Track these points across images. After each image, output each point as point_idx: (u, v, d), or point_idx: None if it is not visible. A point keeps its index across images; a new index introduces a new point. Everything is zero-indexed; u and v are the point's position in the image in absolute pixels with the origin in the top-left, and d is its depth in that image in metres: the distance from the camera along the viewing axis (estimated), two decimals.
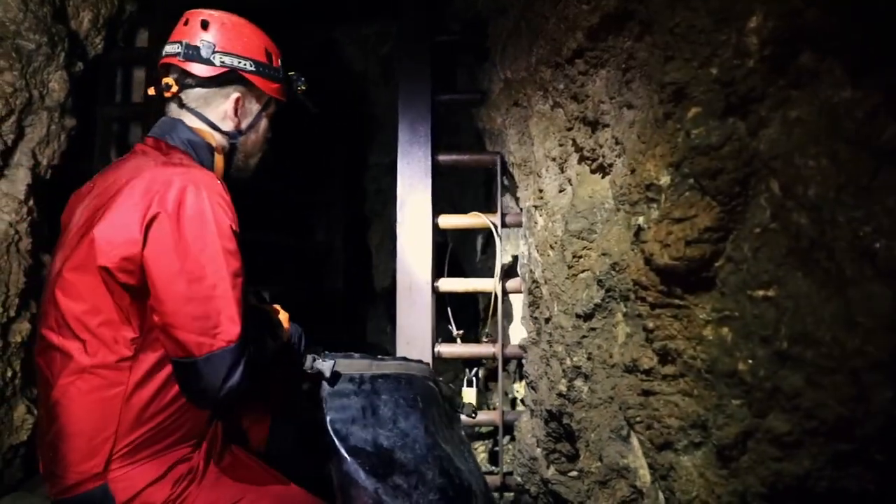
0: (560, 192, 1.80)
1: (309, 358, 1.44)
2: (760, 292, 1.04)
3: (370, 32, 3.43)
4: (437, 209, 2.39)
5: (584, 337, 1.59)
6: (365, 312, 4.58)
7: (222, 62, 1.47)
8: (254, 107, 1.54)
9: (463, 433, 1.73)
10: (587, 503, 1.63)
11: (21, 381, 2.34)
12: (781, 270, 1.01)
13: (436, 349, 2.32)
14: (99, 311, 1.27)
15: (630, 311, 1.38)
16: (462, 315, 2.54)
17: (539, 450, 2.00)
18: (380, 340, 4.23)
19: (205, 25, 1.49)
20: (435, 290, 2.35)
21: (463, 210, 2.49)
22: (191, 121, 1.49)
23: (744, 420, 1.07)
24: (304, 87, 1.67)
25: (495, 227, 2.35)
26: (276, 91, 1.57)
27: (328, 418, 1.45)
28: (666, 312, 1.22)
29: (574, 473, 1.87)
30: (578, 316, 1.60)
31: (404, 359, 1.63)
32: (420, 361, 1.67)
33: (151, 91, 1.55)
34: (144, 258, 1.23)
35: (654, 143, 1.24)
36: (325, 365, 1.45)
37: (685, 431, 1.20)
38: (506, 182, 2.47)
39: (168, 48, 1.50)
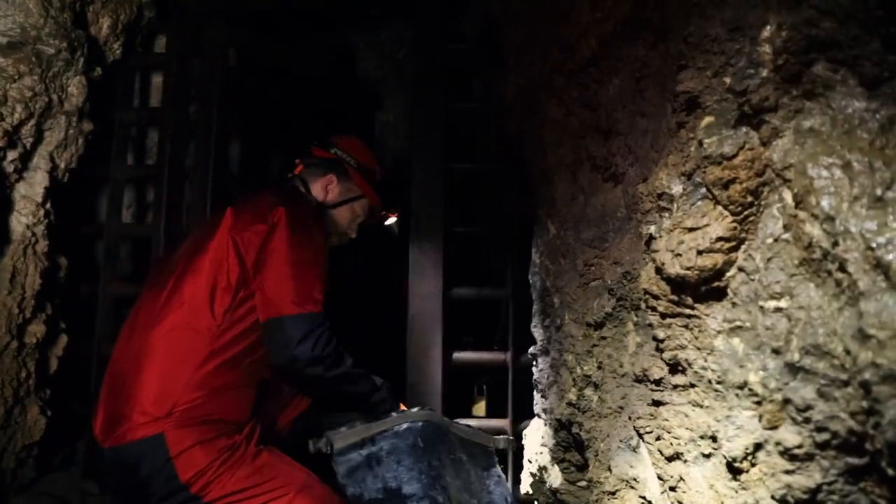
0: (572, 199, 1.80)
1: (310, 442, 1.58)
2: (772, 303, 1.03)
3: (386, 38, 3.44)
4: (450, 217, 2.40)
5: (594, 346, 1.58)
6: (377, 320, 4.58)
7: (335, 152, 1.98)
8: (345, 192, 1.97)
9: (495, 467, 1.79)
10: None
11: (35, 381, 2.37)
12: (793, 281, 1.00)
13: (447, 357, 2.32)
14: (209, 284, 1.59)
15: (641, 321, 1.37)
16: (474, 323, 2.54)
17: (549, 458, 1.99)
18: (390, 349, 4.23)
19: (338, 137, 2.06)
20: (446, 297, 2.35)
21: (476, 217, 2.49)
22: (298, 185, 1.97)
23: (754, 432, 1.06)
24: (392, 214, 2.15)
25: (507, 234, 2.35)
26: (368, 190, 1.99)
27: (348, 493, 1.59)
28: (677, 322, 1.21)
29: (583, 483, 1.86)
30: (589, 325, 1.59)
31: (404, 411, 1.76)
32: (423, 408, 1.79)
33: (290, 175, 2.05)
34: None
35: (667, 151, 1.24)
36: (322, 444, 1.59)
37: (695, 442, 1.19)
38: (519, 189, 2.47)
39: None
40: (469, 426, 1.90)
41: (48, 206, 2.37)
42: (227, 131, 2.86)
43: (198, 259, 1.64)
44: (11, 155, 2.22)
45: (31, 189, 2.32)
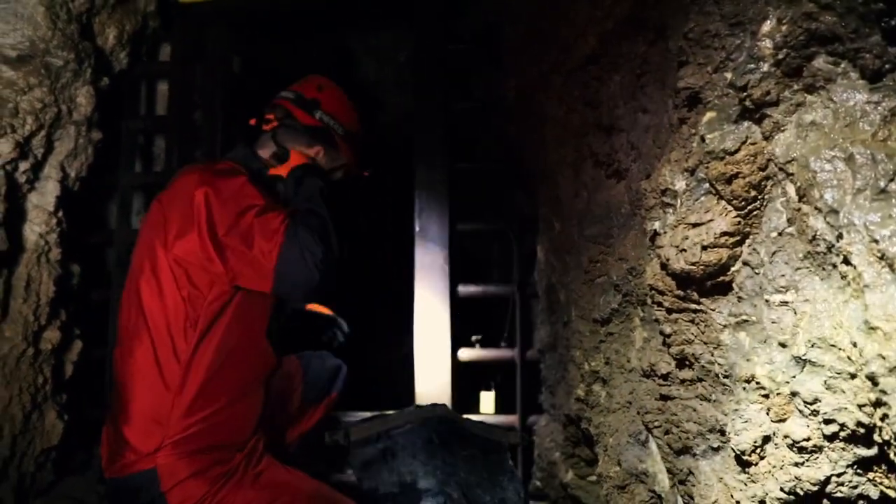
0: (576, 197, 1.81)
1: (326, 434, 1.59)
2: (777, 297, 1.04)
3: (385, 40, 3.45)
4: (455, 215, 2.41)
5: (601, 342, 1.59)
6: (384, 319, 4.60)
7: (321, 118, 1.80)
8: (332, 162, 1.86)
9: (507, 463, 1.80)
10: None
11: (52, 387, 2.40)
12: (798, 275, 1.00)
13: (454, 354, 2.33)
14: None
15: (647, 316, 1.38)
16: (481, 320, 2.55)
17: (558, 454, 2.00)
18: (400, 346, 4.24)
19: (319, 88, 1.85)
20: (453, 295, 2.36)
21: (480, 215, 2.50)
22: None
23: (762, 425, 1.06)
24: (367, 173, 2.00)
25: (511, 232, 2.35)
26: (352, 160, 1.89)
27: (363, 487, 1.61)
28: (683, 317, 1.22)
29: (593, 478, 1.87)
30: (595, 321, 1.60)
31: (419, 407, 1.78)
32: (436, 405, 1.80)
33: (252, 122, 1.87)
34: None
35: (669, 147, 1.25)
36: (340, 436, 1.61)
37: (703, 436, 1.19)
38: (523, 188, 2.48)
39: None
40: (482, 422, 1.91)
41: (60, 214, 2.40)
42: (233, 136, 2.88)
43: (146, 285, 1.53)
44: (23, 165, 2.25)
45: (43, 198, 2.35)
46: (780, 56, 1.01)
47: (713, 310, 1.15)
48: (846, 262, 0.90)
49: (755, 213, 1.08)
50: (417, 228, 2.39)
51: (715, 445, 1.18)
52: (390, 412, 1.71)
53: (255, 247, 1.42)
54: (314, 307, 1.90)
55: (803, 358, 0.98)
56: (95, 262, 2.86)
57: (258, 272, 1.43)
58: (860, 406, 0.88)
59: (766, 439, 1.06)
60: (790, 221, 1.03)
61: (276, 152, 1.78)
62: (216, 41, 2.78)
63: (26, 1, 2.11)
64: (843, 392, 0.91)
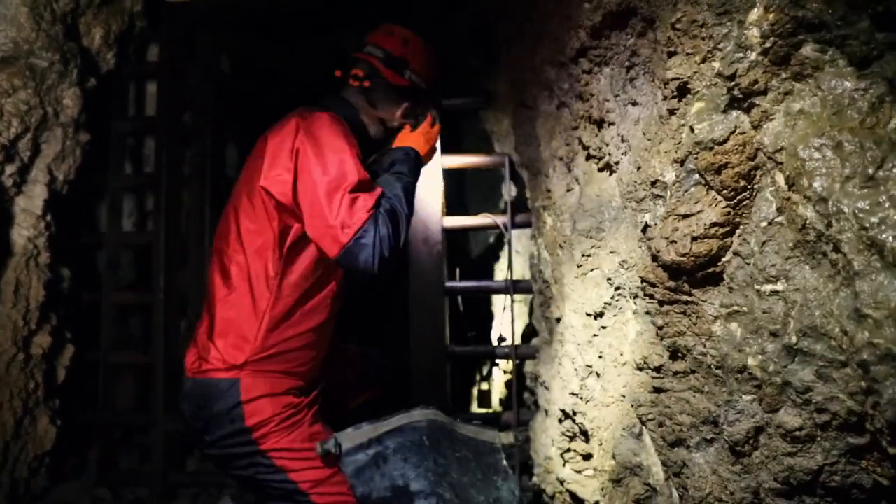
0: (567, 191, 1.80)
1: (318, 444, 1.62)
2: (768, 287, 1.03)
3: None
4: (447, 211, 2.40)
5: (594, 336, 1.58)
6: (380, 314, 4.60)
7: (410, 78, 1.85)
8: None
9: (501, 463, 1.80)
10: (602, 502, 1.62)
11: (43, 392, 2.38)
12: (789, 264, 1.00)
13: (450, 351, 2.33)
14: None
15: (639, 309, 1.37)
16: (476, 317, 2.55)
17: (554, 449, 1.99)
18: (395, 343, 4.24)
19: (404, 42, 1.88)
20: (447, 291, 2.36)
21: (473, 211, 2.50)
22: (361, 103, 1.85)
23: (755, 415, 1.06)
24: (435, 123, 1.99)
25: (505, 227, 2.35)
26: (433, 116, 1.90)
27: (356, 494, 1.63)
28: (674, 309, 1.21)
29: (589, 472, 1.86)
30: (589, 315, 1.60)
31: (407, 410, 1.79)
32: (427, 408, 1.82)
33: (338, 73, 1.92)
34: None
35: (659, 139, 1.24)
36: (331, 445, 1.62)
37: (697, 428, 1.19)
38: (514, 183, 2.47)
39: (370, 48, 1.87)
40: (474, 424, 1.92)
41: (48, 217, 2.38)
42: (223, 137, 2.87)
43: (243, 210, 1.66)
44: (10, 169, 2.23)
45: (31, 202, 2.33)
46: (768, 45, 1.01)
47: (704, 301, 1.15)
48: (836, 250, 0.89)
49: (745, 203, 1.08)
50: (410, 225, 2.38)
51: (708, 437, 1.17)
52: (381, 417, 1.72)
53: (338, 219, 1.51)
54: None
55: (795, 347, 0.98)
56: (86, 264, 2.84)
57: (331, 240, 1.52)
58: (852, 394, 0.88)
59: (759, 430, 1.06)
60: (780, 211, 1.02)
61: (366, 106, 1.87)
62: (206, 41, 2.76)
63: (9, 1, 2.09)
64: (835, 381, 0.91)
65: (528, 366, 2.73)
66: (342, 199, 1.51)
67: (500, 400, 2.88)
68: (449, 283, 2.37)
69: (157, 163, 2.72)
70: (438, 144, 1.99)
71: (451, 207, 2.44)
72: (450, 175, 2.45)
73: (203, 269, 2.61)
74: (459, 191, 2.71)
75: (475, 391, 2.38)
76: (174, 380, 2.64)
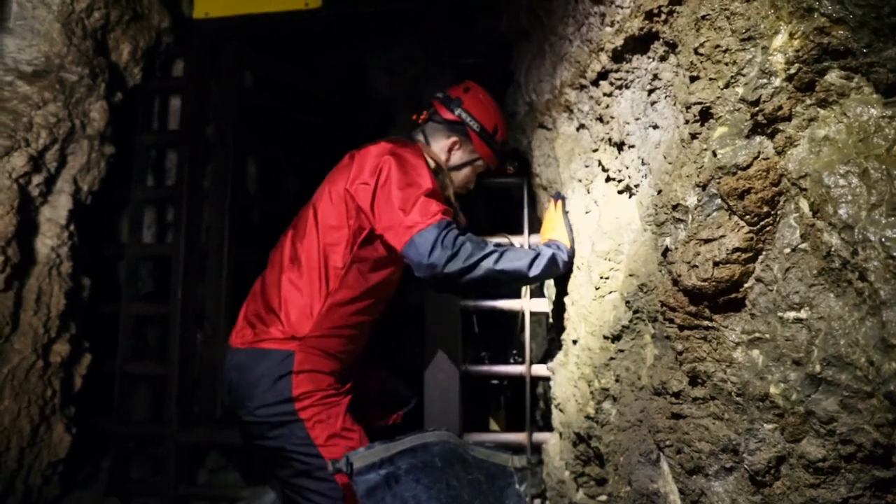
0: (586, 213, 1.80)
1: (329, 463, 1.65)
2: (791, 314, 1.02)
3: (397, 57, 3.48)
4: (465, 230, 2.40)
5: (611, 359, 1.57)
6: (397, 331, 4.59)
7: (460, 115, 2.02)
8: (466, 155, 2.06)
9: (514, 486, 1.79)
10: None
11: (60, 400, 2.40)
12: (812, 291, 0.99)
13: (463, 370, 2.32)
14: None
15: (658, 333, 1.36)
16: (491, 337, 2.54)
17: (567, 473, 1.97)
18: (410, 360, 4.22)
19: (466, 90, 2.08)
20: (463, 310, 2.35)
21: (490, 231, 2.50)
22: (420, 139, 2.06)
23: (777, 445, 1.04)
24: (510, 170, 2.24)
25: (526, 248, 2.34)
26: (488, 155, 2.07)
27: None
28: (695, 334, 1.20)
29: (603, 498, 1.83)
30: (606, 337, 1.58)
31: (419, 431, 1.80)
32: (440, 429, 1.85)
33: (413, 117, 2.14)
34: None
35: (681, 163, 1.24)
36: (342, 464, 1.64)
37: (716, 456, 1.17)
38: (532, 203, 2.47)
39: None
40: (486, 446, 1.91)
41: (72, 228, 2.42)
42: (244, 151, 2.91)
43: (324, 208, 1.86)
44: (37, 179, 2.28)
45: (56, 212, 2.37)
46: (793, 71, 1.00)
47: (726, 327, 1.13)
48: (862, 278, 0.88)
49: (768, 228, 1.07)
50: None
51: (728, 465, 1.15)
52: (394, 438, 1.71)
53: (410, 214, 1.69)
54: None
55: (819, 376, 0.96)
56: (106, 275, 2.87)
57: (402, 232, 1.69)
58: (878, 426, 0.86)
59: (781, 460, 1.04)
60: (804, 237, 1.01)
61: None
62: (229, 57, 2.81)
63: (43, 17, 2.15)
64: (860, 412, 0.89)
65: (542, 387, 2.71)
66: (416, 202, 1.71)
67: (514, 421, 2.86)
68: (464, 302, 2.37)
69: (178, 176, 2.76)
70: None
71: (470, 226, 2.44)
72: (468, 194, 2.45)
73: (220, 282, 2.64)
74: (476, 210, 2.71)
75: (489, 412, 2.36)
76: (188, 392, 2.66)
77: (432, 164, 1.99)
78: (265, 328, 1.80)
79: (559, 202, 1.91)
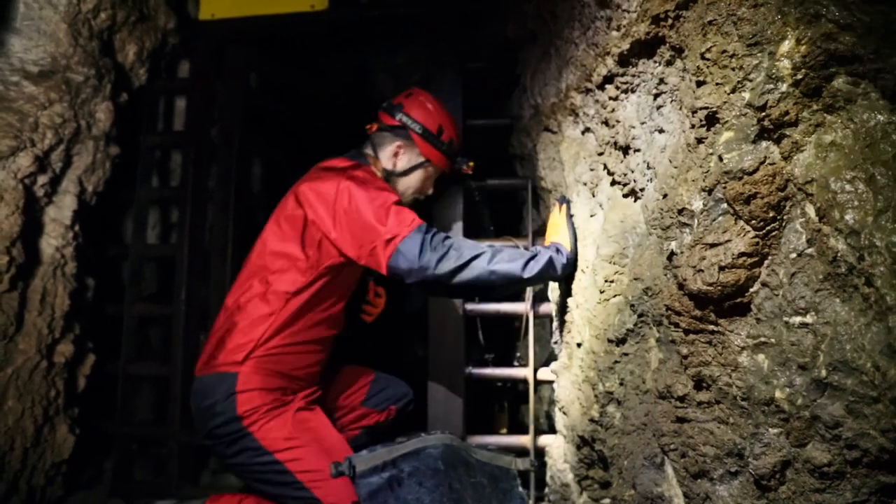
0: (591, 216, 1.80)
1: (332, 466, 1.66)
2: (797, 318, 1.02)
3: (402, 60, 3.48)
4: (469, 233, 2.40)
5: (616, 362, 1.57)
6: (399, 334, 4.60)
7: (400, 119, 2.03)
8: (412, 159, 2.04)
9: (517, 489, 1.80)
10: None
11: (64, 400, 2.41)
12: (818, 296, 0.99)
13: (467, 372, 2.32)
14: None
15: (663, 337, 1.36)
16: (495, 339, 2.54)
17: (571, 476, 1.97)
18: (410, 364, 4.22)
19: (408, 95, 2.10)
20: (466, 313, 2.35)
21: (495, 234, 2.50)
22: (368, 152, 2.07)
23: (782, 449, 1.04)
24: (465, 168, 2.17)
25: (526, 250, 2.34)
26: (434, 156, 2.05)
27: None
28: (700, 338, 1.20)
29: (607, 501, 1.83)
30: (610, 341, 1.58)
31: (421, 434, 1.81)
32: (443, 432, 1.85)
33: (367, 126, 2.12)
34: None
35: (686, 167, 1.24)
36: (345, 467, 1.66)
37: (721, 460, 1.17)
38: (537, 206, 2.48)
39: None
40: (489, 449, 1.91)
41: (76, 228, 2.43)
42: (249, 153, 2.91)
43: (273, 235, 1.89)
44: (42, 179, 2.28)
45: (60, 212, 2.38)
46: (799, 76, 1.01)
47: (731, 331, 1.13)
48: (868, 283, 0.88)
49: (774, 233, 1.07)
50: None
51: (733, 470, 1.16)
52: (396, 441, 1.72)
53: (387, 226, 1.69)
54: None
55: (824, 381, 0.96)
56: (110, 275, 2.88)
57: (380, 248, 1.70)
58: (884, 431, 0.86)
59: (786, 464, 1.04)
60: (810, 242, 1.01)
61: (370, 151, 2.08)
62: (235, 58, 2.82)
63: (49, 17, 2.16)
64: (866, 417, 0.89)
65: (546, 390, 2.71)
66: (388, 213, 1.71)
67: (518, 424, 2.86)
68: (468, 305, 2.37)
69: (183, 177, 2.77)
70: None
71: (474, 230, 2.45)
72: (471, 197, 2.46)
73: (225, 282, 2.64)
74: (481, 213, 2.71)
75: (492, 415, 2.36)
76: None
77: (381, 175, 2.01)
78: (218, 353, 1.83)
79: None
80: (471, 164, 2.15)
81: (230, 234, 2.72)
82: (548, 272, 1.76)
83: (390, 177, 2.03)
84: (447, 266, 1.66)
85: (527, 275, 1.71)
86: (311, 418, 1.84)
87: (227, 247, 2.70)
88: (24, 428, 2.25)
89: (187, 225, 2.69)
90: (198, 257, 2.72)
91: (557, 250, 1.80)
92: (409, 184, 2.07)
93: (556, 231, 1.87)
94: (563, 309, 2.02)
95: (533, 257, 1.74)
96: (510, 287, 1.81)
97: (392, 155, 2.04)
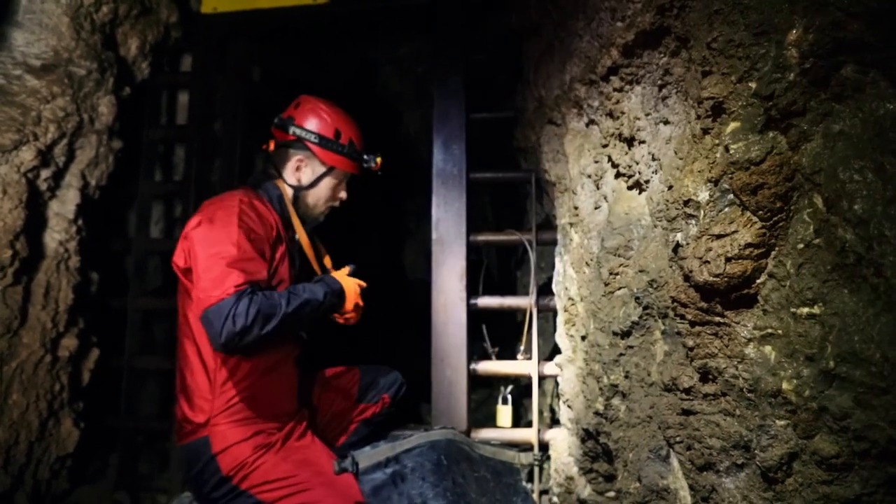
0: (595, 208, 1.79)
1: (335, 463, 1.65)
2: (805, 309, 1.01)
3: (405, 53, 3.47)
4: (472, 227, 2.40)
5: (621, 355, 1.57)
6: (399, 331, 4.59)
7: (294, 132, 1.91)
8: (316, 169, 1.93)
9: (520, 483, 1.79)
10: None
11: (68, 394, 2.41)
12: (826, 287, 0.98)
13: (471, 367, 2.31)
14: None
15: (669, 329, 1.36)
16: (498, 333, 2.53)
17: (576, 469, 1.97)
18: (413, 359, 4.21)
19: (296, 105, 1.97)
20: (470, 307, 2.35)
21: (497, 228, 2.49)
22: (272, 172, 1.96)
23: (789, 441, 1.04)
24: (374, 166, 2.02)
25: (529, 244, 2.34)
26: (337, 161, 1.93)
27: None
28: (706, 330, 1.19)
29: (611, 494, 1.83)
30: (615, 333, 1.58)
31: (425, 429, 1.81)
32: (445, 427, 1.84)
33: (264, 147, 2.01)
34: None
35: (692, 158, 1.23)
36: (348, 463, 1.65)
37: (727, 452, 1.17)
38: (540, 199, 2.47)
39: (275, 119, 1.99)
40: (492, 444, 1.90)
41: (80, 222, 2.42)
42: (252, 146, 2.90)
43: (179, 281, 1.79)
44: (45, 173, 2.28)
45: (64, 206, 2.38)
46: (807, 65, 1.00)
47: (737, 323, 1.13)
48: (877, 273, 0.87)
49: (781, 224, 1.06)
50: (434, 238, 2.38)
51: (739, 462, 1.15)
52: (399, 436, 1.71)
53: (207, 286, 1.59)
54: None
55: (832, 372, 0.96)
56: (114, 269, 2.88)
57: (198, 303, 1.61)
58: (892, 423, 0.86)
59: (794, 456, 1.04)
60: (818, 233, 1.01)
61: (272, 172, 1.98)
62: (238, 52, 2.81)
63: (51, 11, 2.15)
64: (875, 408, 0.88)
65: (550, 384, 2.70)
66: (216, 270, 1.60)
67: (521, 418, 2.86)
68: (472, 300, 2.36)
69: (186, 171, 2.76)
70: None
71: (477, 224, 2.44)
72: (476, 192, 2.45)
73: None
74: (483, 207, 2.70)
75: (496, 409, 2.36)
76: None
77: (290, 192, 1.92)
78: (184, 422, 1.77)
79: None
80: (378, 160, 2.02)
81: None
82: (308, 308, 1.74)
83: (299, 192, 1.94)
84: (237, 342, 1.61)
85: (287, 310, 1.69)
86: (305, 455, 1.77)
87: None
88: (28, 422, 2.26)
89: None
90: None
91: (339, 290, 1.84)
92: (319, 195, 1.96)
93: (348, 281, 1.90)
94: (567, 302, 2.02)
95: (290, 295, 1.71)
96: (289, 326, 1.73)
97: (294, 170, 1.93)
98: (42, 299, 2.29)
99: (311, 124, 1.92)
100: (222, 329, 1.53)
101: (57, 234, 2.35)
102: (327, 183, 1.96)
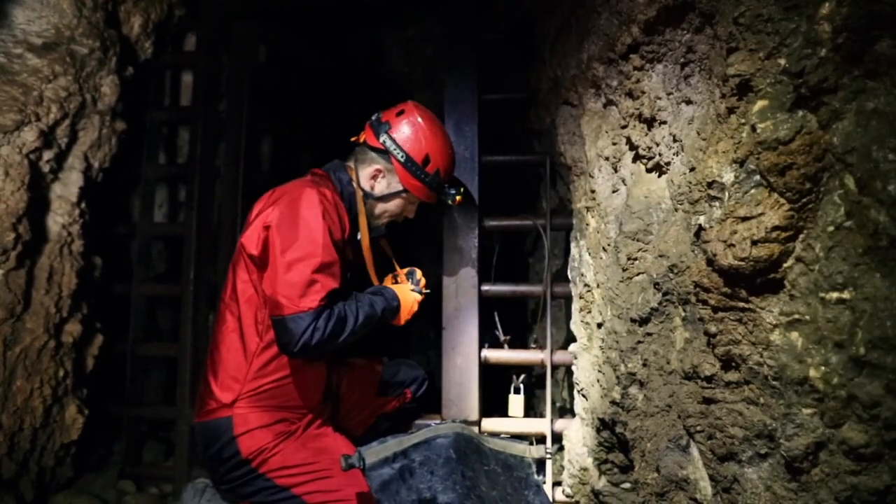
0: (613, 192, 1.75)
1: (342, 459, 1.63)
2: (834, 294, 0.98)
3: (414, 34, 3.41)
4: (484, 211, 2.36)
5: (639, 342, 1.53)
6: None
7: (384, 142, 1.86)
8: (392, 185, 1.90)
9: (532, 476, 1.77)
10: None
11: (72, 381, 2.39)
12: (857, 271, 0.95)
13: (482, 355, 2.28)
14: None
15: (689, 316, 1.32)
16: (509, 321, 2.50)
17: (590, 460, 1.94)
18: (423, 347, 4.19)
19: (399, 113, 1.91)
20: (481, 294, 2.31)
21: (510, 212, 2.45)
22: (350, 165, 1.95)
23: (816, 430, 1.01)
24: (452, 203, 2.01)
25: (543, 229, 2.30)
26: (414, 187, 1.89)
27: None
28: (729, 316, 1.16)
29: (627, 485, 1.81)
30: (633, 320, 1.54)
31: (431, 424, 1.80)
32: (454, 421, 1.84)
33: (353, 139, 1.97)
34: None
35: (717, 139, 1.19)
36: (355, 459, 1.63)
37: (750, 442, 1.14)
38: (554, 183, 2.43)
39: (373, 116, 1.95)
40: (501, 437, 1.88)
41: (83, 205, 2.39)
42: (257, 129, 2.86)
43: (238, 257, 1.80)
44: (47, 155, 2.24)
45: (67, 189, 2.34)
46: (840, 40, 0.96)
47: (763, 308, 1.09)
48: None
49: (810, 206, 1.03)
50: (446, 225, 2.34)
51: (762, 452, 1.12)
52: (407, 431, 1.70)
53: (291, 292, 1.61)
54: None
55: (862, 359, 0.93)
56: (118, 254, 2.85)
57: (275, 304, 1.63)
58: None
59: (820, 445, 1.01)
60: (849, 215, 0.97)
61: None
62: (244, 33, 2.76)
63: None
64: None
65: (562, 373, 2.67)
66: (301, 275, 1.62)
67: (534, 407, 2.83)
68: (484, 287, 2.33)
69: (190, 154, 2.72)
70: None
71: (490, 208, 2.39)
72: (488, 175, 2.40)
73: None
74: (496, 190, 2.65)
75: (508, 399, 2.32)
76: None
77: (362, 190, 1.90)
78: (208, 398, 1.78)
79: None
80: (458, 197, 1.98)
81: (239, 212, 2.68)
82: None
83: (367, 198, 1.90)
84: (309, 354, 1.67)
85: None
86: (325, 444, 1.79)
87: (235, 225, 2.66)
88: (32, 408, 2.24)
89: (195, 203, 2.65)
90: (206, 236, 2.68)
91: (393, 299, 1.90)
92: (385, 208, 1.93)
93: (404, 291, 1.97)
94: (583, 289, 1.98)
95: (359, 310, 1.78)
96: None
97: (370, 177, 1.89)
98: (45, 284, 2.26)
99: (404, 141, 1.86)
100: (300, 339, 1.58)
101: (60, 218, 2.31)
102: (398, 201, 1.93)
